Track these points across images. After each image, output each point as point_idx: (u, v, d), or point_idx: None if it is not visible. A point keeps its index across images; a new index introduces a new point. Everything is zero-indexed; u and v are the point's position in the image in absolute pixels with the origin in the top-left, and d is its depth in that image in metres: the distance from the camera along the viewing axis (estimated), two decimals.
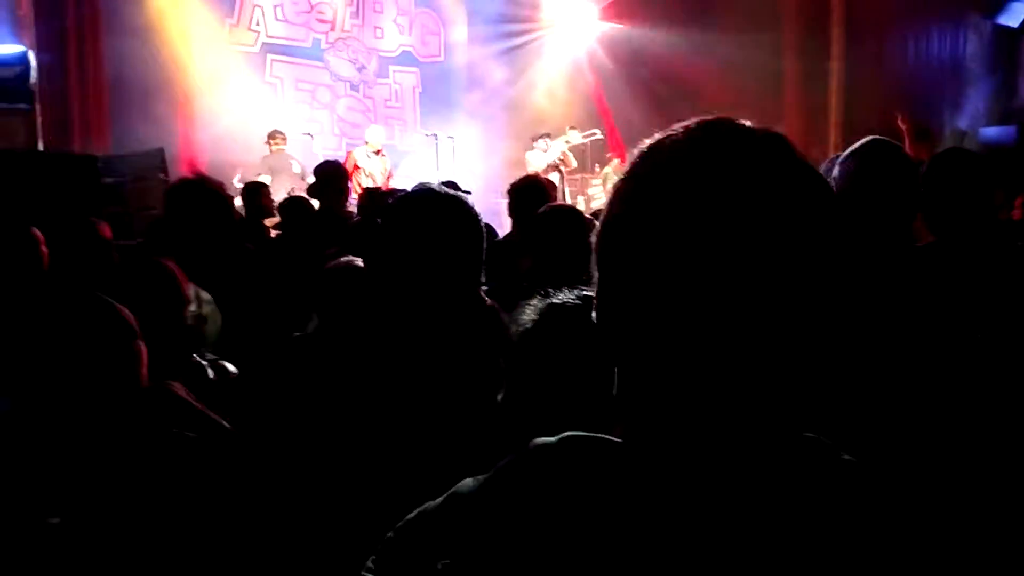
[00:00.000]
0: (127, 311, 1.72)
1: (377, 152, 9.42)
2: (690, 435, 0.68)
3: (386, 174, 9.40)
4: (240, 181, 8.01)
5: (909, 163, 1.88)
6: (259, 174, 8.29)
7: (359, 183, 8.76)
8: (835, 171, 2.11)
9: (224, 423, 1.84)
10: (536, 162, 9.81)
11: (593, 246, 0.74)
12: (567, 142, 10.44)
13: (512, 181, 4.20)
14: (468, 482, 0.80)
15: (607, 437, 0.72)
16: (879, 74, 10.07)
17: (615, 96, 12.29)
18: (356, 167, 9.11)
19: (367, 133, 9.70)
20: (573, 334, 1.25)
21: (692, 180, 0.68)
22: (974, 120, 9.45)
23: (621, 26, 12.23)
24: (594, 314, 0.74)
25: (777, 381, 0.67)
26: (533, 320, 1.32)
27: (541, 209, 3.02)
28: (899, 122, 6.28)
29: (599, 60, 12.65)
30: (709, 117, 0.74)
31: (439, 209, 1.72)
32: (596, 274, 0.74)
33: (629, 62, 12.13)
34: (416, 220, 1.70)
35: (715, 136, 0.71)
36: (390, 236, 1.74)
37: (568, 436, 0.74)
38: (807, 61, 11.05)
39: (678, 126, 0.74)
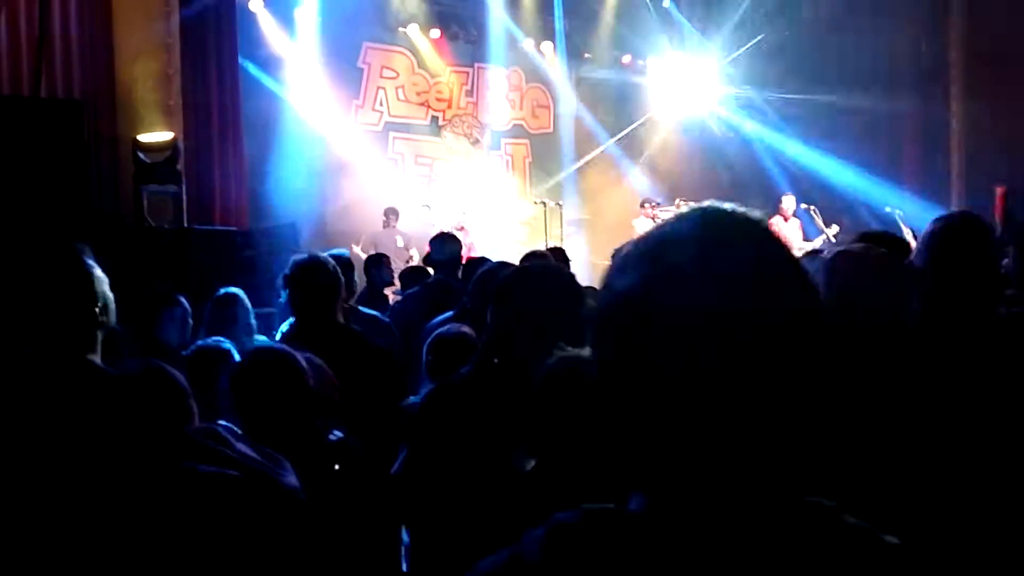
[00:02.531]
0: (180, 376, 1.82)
1: (461, 229, 9.74)
2: (700, 508, 0.73)
3: (468, 247, 9.65)
4: (363, 251, 8.59)
5: (987, 238, 1.90)
6: (363, 248, 8.93)
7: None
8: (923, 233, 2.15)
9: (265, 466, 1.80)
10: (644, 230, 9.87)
11: (593, 321, 0.80)
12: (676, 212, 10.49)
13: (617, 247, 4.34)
14: (489, 561, 0.81)
15: (623, 510, 0.77)
16: (1002, 114, 9.76)
17: (728, 167, 12.36)
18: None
19: (459, 214, 10.08)
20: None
21: (681, 264, 0.74)
22: None
23: (736, 89, 12.33)
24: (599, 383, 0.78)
25: (775, 449, 0.73)
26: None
27: None
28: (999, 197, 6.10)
29: (704, 129, 12.78)
30: (704, 204, 0.81)
31: (547, 284, 1.88)
32: (597, 348, 0.80)
33: (742, 128, 12.18)
34: (527, 294, 1.86)
35: (706, 223, 0.78)
36: (503, 309, 1.91)
37: (587, 511, 0.78)
38: (927, 105, 10.80)
39: (676, 214, 0.82)
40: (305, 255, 3.38)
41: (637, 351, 0.74)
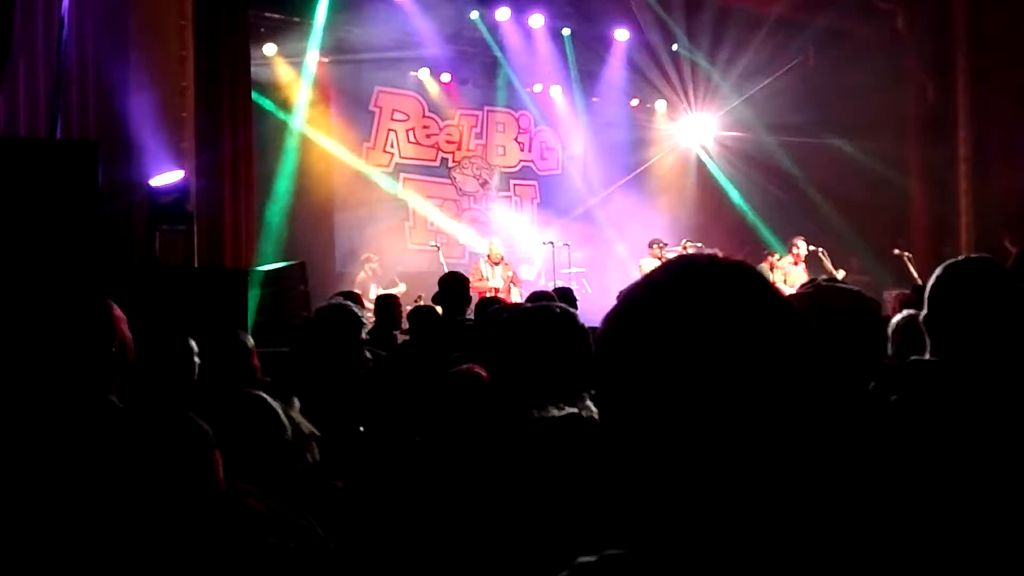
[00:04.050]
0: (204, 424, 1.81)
1: (498, 263, 9.80)
2: (711, 553, 0.75)
3: (507, 281, 9.73)
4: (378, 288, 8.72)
5: (1004, 282, 1.88)
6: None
7: (480, 292, 9.14)
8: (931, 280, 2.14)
9: (314, 531, 1.88)
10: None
11: (594, 362, 0.85)
12: (682, 253, 10.53)
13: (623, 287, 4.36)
14: None
15: (642, 554, 0.78)
16: (1008, 185, 9.78)
17: (735, 209, 12.43)
18: (482, 277, 9.54)
19: (489, 246, 10.12)
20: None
21: (664, 311, 0.79)
22: None
23: (739, 134, 12.44)
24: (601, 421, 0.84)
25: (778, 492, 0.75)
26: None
27: None
28: (1007, 243, 6.12)
29: (709, 171, 12.87)
30: (688, 252, 0.88)
31: (548, 325, 1.89)
32: (598, 387, 0.84)
33: (749, 171, 12.26)
34: (527, 335, 1.87)
35: (688, 271, 0.83)
36: (504, 349, 1.92)
37: (608, 555, 0.80)
38: (932, 175, 10.86)
39: (662, 264, 0.88)
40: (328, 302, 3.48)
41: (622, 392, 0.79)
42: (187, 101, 8.11)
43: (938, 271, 1.97)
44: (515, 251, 11.51)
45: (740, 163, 12.45)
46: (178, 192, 7.32)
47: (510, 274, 9.93)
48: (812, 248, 9.69)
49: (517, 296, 9.24)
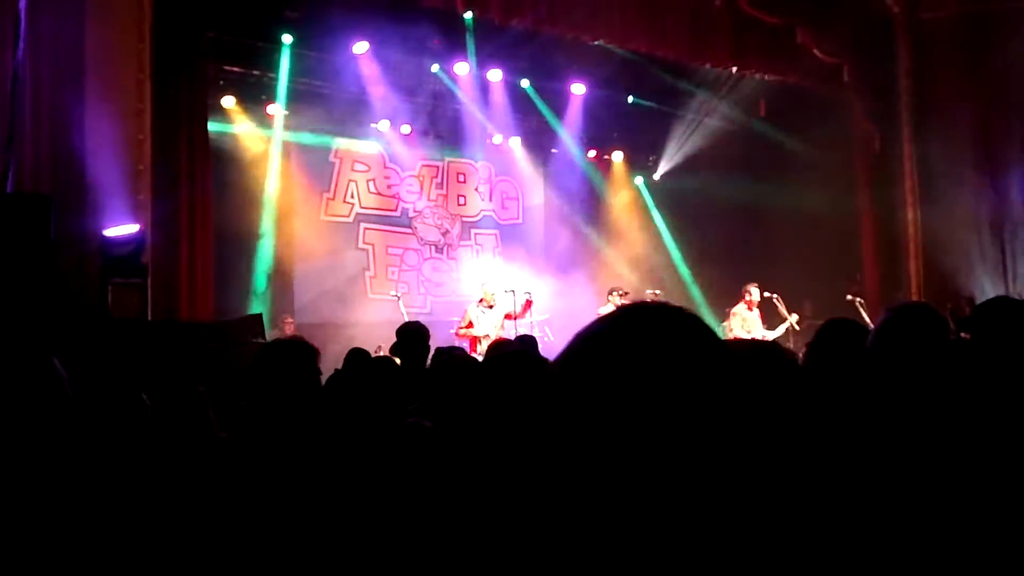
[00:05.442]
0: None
1: (491, 307, 9.67)
2: None
3: (498, 326, 9.56)
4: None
5: (937, 324, 1.97)
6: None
7: (470, 339, 9.11)
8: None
9: None
10: None
11: (545, 394, 0.90)
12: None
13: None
14: None
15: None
16: (955, 222, 10.08)
17: (688, 252, 12.64)
18: (470, 323, 9.46)
19: (482, 288, 9.81)
20: None
21: (612, 354, 0.86)
22: None
23: (692, 183, 12.69)
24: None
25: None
26: None
27: None
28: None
29: (666, 220, 13.11)
30: (634, 302, 0.94)
31: (505, 373, 1.90)
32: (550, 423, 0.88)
33: (700, 216, 12.49)
34: (485, 384, 1.88)
35: (634, 318, 0.89)
36: (455, 398, 1.93)
37: None
38: (883, 214, 11.15)
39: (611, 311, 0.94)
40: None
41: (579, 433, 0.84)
42: (144, 154, 8.06)
43: (881, 319, 2.03)
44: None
45: (692, 211, 12.69)
46: (133, 244, 7.25)
47: (501, 318, 9.70)
48: (766, 294, 9.83)
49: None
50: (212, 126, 9.56)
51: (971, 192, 10.22)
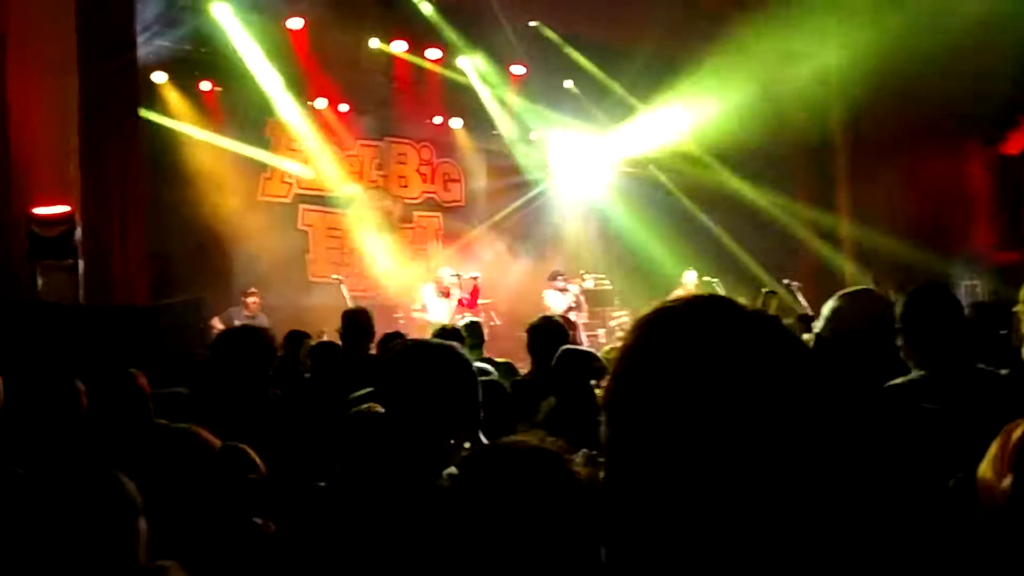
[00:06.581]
0: (132, 486, 1.64)
1: (446, 293, 9.61)
2: None
3: (452, 312, 9.50)
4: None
5: (887, 306, 2.02)
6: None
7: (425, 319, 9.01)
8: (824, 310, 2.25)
9: None
10: (554, 304, 9.82)
11: (602, 402, 0.81)
12: (580, 285, 10.62)
13: (531, 320, 4.39)
14: None
15: None
16: (888, 211, 10.32)
17: (629, 241, 12.74)
18: (424, 306, 9.37)
19: (439, 276, 9.77)
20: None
21: (693, 350, 0.76)
22: (983, 246, 9.62)
23: (631, 170, 12.79)
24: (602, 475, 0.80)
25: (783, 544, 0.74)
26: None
27: (557, 353, 3.18)
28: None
29: (606, 204, 13.19)
30: (707, 293, 0.85)
31: (428, 360, 1.89)
32: (607, 429, 0.80)
33: (635, 206, 12.60)
34: (408, 371, 1.87)
35: (714, 311, 0.80)
36: (388, 386, 1.91)
37: None
38: (817, 206, 11.34)
39: (679, 298, 0.83)
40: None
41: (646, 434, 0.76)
42: (72, 132, 7.76)
43: (835, 300, 2.07)
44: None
45: (634, 196, 12.79)
46: (63, 225, 7.01)
47: (454, 304, 9.65)
48: (706, 279, 9.95)
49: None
50: (144, 103, 9.25)
51: (902, 183, 10.44)
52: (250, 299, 9.72)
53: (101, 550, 1.48)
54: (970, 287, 9.50)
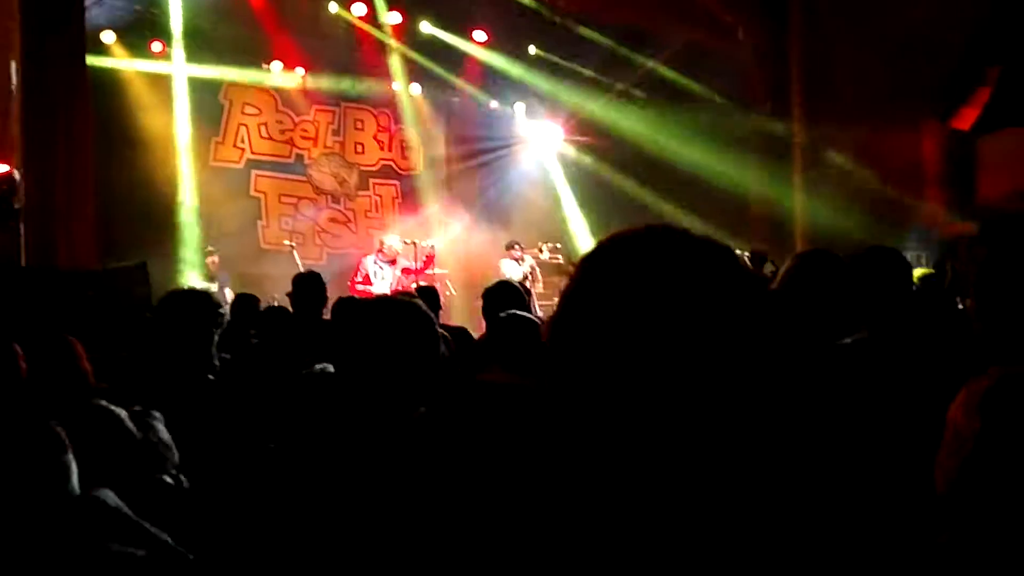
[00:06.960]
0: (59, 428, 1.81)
1: (392, 262, 9.46)
2: None
3: (396, 280, 9.37)
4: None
5: (840, 269, 2.02)
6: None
7: (369, 292, 8.82)
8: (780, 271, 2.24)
9: (165, 538, 1.85)
10: (510, 273, 9.77)
11: (547, 332, 0.79)
12: (536, 256, 10.62)
13: (487, 286, 4.36)
14: None
15: None
16: (841, 180, 10.41)
17: (587, 213, 12.74)
18: (367, 278, 9.19)
19: (384, 242, 9.60)
20: None
21: (639, 276, 0.73)
22: (934, 219, 9.78)
23: (592, 141, 12.74)
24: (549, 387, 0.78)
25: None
26: None
27: (502, 314, 3.13)
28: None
29: (565, 174, 13.16)
30: (657, 223, 0.81)
31: (389, 315, 1.84)
32: (552, 353, 0.77)
33: (594, 178, 12.59)
34: (369, 326, 1.81)
35: (662, 239, 0.78)
36: (348, 342, 1.86)
37: None
38: (770, 174, 11.41)
39: (629, 229, 0.80)
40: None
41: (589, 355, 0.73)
42: (13, 89, 7.48)
43: (789, 261, 2.06)
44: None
45: (590, 166, 12.77)
46: (3, 185, 6.77)
47: (399, 273, 9.47)
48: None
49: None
50: (92, 63, 8.94)
51: (855, 154, 10.53)
52: (209, 259, 9.63)
53: (35, 480, 1.69)
54: (918, 258, 9.66)
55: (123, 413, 2.38)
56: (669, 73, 11.78)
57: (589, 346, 0.73)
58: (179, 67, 10.46)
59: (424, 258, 9.59)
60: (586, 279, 0.77)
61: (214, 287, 9.33)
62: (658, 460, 0.71)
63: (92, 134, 8.60)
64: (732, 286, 0.74)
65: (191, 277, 9.35)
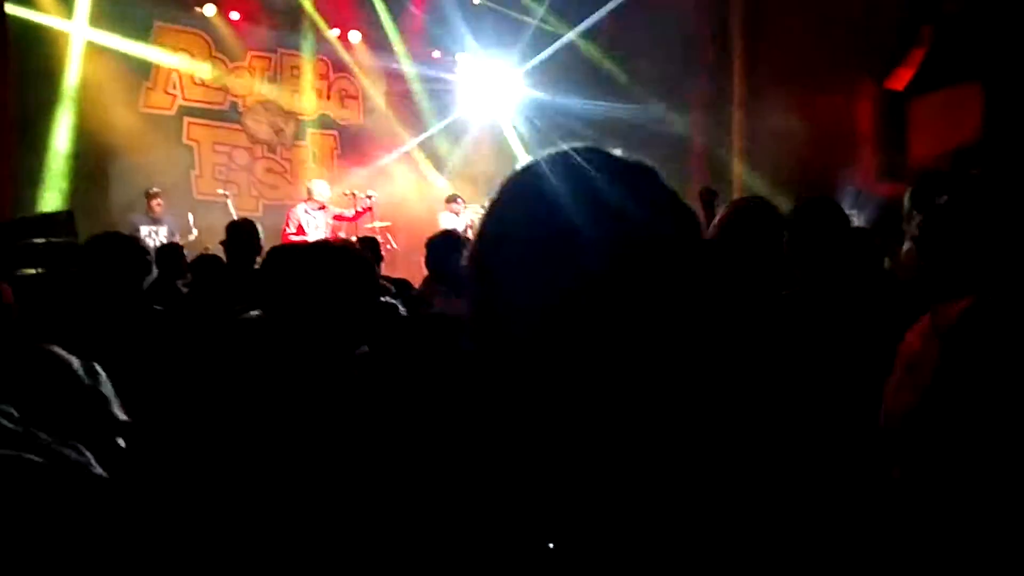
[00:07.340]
0: None
1: (321, 207, 9.33)
2: None
3: (328, 227, 9.31)
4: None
5: (773, 219, 2.03)
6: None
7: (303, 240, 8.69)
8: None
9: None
10: (449, 226, 9.75)
11: (468, 257, 0.77)
12: (478, 210, 10.58)
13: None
14: None
15: None
16: (777, 137, 10.53)
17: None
18: (300, 228, 9.06)
19: (312, 188, 9.54)
20: None
21: (556, 195, 0.71)
22: (867, 179, 9.97)
23: (538, 94, 12.61)
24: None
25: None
26: None
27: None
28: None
29: (515, 126, 13.01)
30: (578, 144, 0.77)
31: (322, 257, 1.80)
32: (472, 282, 0.75)
33: (544, 129, 12.48)
34: (303, 268, 1.77)
35: (584, 157, 0.76)
36: (281, 285, 1.81)
37: None
38: (711, 129, 11.51)
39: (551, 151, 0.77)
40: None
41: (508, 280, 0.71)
42: None
43: (725, 208, 2.06)
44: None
45: (538, 122, 12.65)
46: None
47: (330, 219, 9.41)
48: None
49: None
50: (10, 6, 8.50)
51: (792, 111, 10.65)
52: (154, 201, 9.36)
53: None
54: (849, 218, 9.86)
55: (75, 361, 2.30)
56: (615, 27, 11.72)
57: (507, 273, 0.71)
58: (104, 9, 9.98)
59: (360, 208, 9.48)
60: (505, 200, 0.75)
61: (163, 230, 9.11)
62: (576, 389, 0.69)
63: (10, 78, 8.22)
64: (655, 205, 0.72)
65: (137, 219, 9.06)
